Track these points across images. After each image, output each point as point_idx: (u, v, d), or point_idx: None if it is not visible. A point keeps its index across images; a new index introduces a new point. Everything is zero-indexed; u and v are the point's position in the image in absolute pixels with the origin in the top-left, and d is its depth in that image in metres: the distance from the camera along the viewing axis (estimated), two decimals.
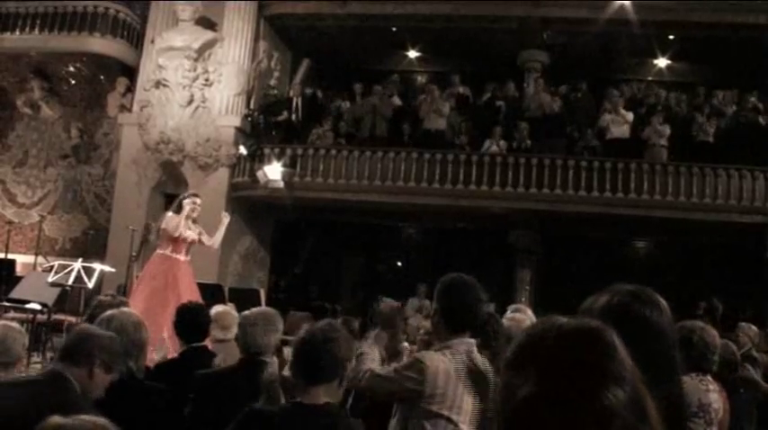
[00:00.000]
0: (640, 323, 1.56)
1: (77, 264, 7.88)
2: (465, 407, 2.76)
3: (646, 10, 12.69)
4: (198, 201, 7.34)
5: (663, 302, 1.63)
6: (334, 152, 13.23)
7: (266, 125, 13.67)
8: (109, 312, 3.40)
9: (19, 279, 9.25)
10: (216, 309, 4.76)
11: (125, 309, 3.74)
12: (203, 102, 13.44)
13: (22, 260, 12.76)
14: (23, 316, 7.67)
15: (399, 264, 16.19)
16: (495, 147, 12.91)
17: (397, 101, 13.89)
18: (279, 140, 13.49)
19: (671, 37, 13.56)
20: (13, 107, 15.52)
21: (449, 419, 2.73)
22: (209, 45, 13.62)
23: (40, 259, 11.63)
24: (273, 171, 12.71)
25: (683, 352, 3.27)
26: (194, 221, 7.29)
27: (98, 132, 15.30)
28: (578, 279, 12.53)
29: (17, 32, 14.41)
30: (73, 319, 7.79)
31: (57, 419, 1.58)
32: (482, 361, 2.86)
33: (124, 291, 8.51)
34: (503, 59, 14.26)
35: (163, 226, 7.20)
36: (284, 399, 2.84)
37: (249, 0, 13.92)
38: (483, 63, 14.65)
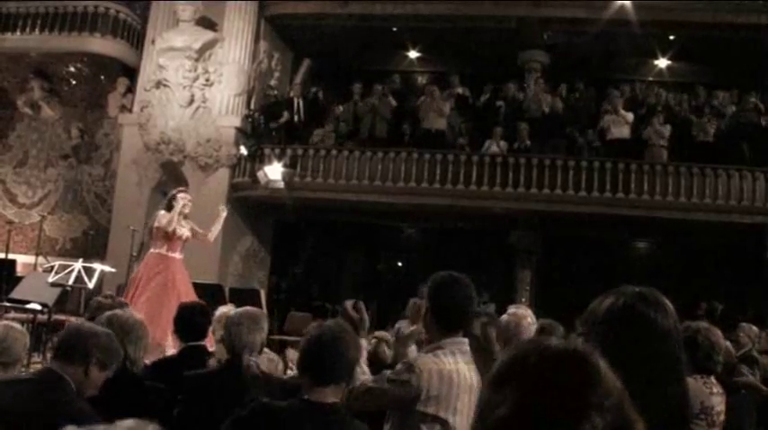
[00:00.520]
0: (646, 324, 1.56)
1: (78, 265, 7.87)
2: (461, 407, 2.73)
3: (646, 10, 12.68)
4: (188, 197, 7.30)
5: (668, 304, 1.63)
6: (334, 152, 13.24)
7: (266, 126, 13.67)
8: (109, 312, 3.40)
9: (19, 279, 9.23)
10: (220, 310, 4.77)
11: (126, 309, 3.74)
12: (204, 102, 13.44)
13: (22, 260, 12.75)
14: (24, 316, 7.66)
15: (400, 264, 16.20)
16: (495, 148, 12.91)
17: (392, 101, 13.86)
18: (279, 141, 13.49)
19: (671, 37, 13.57)
20: (14, 107, 15.52)
21: (445, 422, 2.71)
22: (209, 45, 13.63)
23: (41, 259, 11.62)
24: (274, 171, 12.72)
25: (688, 353, 3.26)
26: (185, 217, 7.23)
27: (98, 132, 15.29)
28: (578, 279, 12.54)
29: (18, 33, 14.41)
30: (73, 319, 7.78)
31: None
32: (468, 367, 2.82)
33: (125, 291, 8.52)
34: (503, 60, 14.26)
35: (155, 224, 7.13)
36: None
37: (250, 0, 13.93)
38: (483, 63, 14.65)
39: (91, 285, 7.82)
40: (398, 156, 12.98)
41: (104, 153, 15.21)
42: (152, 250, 7.18)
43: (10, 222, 14.75)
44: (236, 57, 13.72)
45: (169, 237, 7.00)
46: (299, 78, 14.90)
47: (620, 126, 12.65)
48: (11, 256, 11.47)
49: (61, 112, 15.44)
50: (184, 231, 7.09)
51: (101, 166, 15.18)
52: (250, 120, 13.72)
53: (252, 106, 13.91)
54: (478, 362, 2.81)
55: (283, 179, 12.74)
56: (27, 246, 14.30)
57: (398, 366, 2.83)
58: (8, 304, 8.11)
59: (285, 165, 12.84)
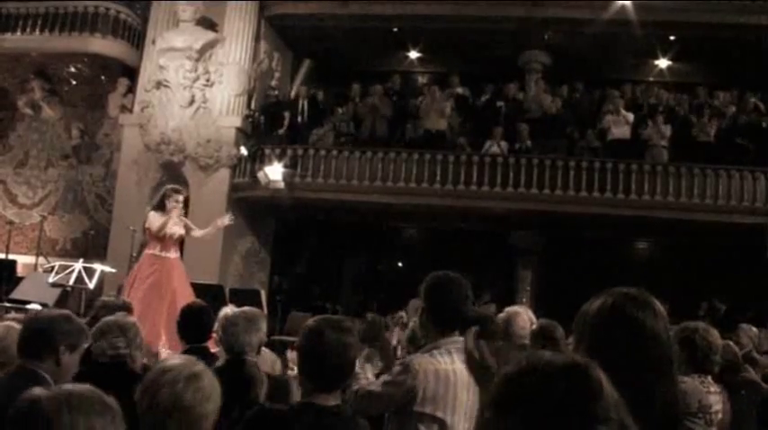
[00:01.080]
0: (634, 325, 1.57)
1: (78, 265, 7.88)
2: (458, 407, 2.73)
3: (646, 11, 12.68)
4: (180, 197, 7.12)
5: (658, 305, 1.63)
6: (334, 153, 13.24)
7: (267, 126, 13.68)
8: (107, 318, 3.41)
9: (20, 279, 9.25)
10: (224, 311, 4.77)
11: (117, 313, 3.74)
12: (204, 102, 13.44)
13: (22, 260, 12.76)
14: (24, 316, 7.67)
15: (400, 264, 16.19)
16: (495, 148, 12.91)
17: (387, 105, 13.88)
18: (280, 141, 13.50)
19: (672, 38, 13.56)
20: (14, 108, 15.53)
21: (443, 421, 2.71)
22: (209, 45, 13.62)
23: (41, 260, 11.62)
24: (274, 172, 12.72)
25: (686, 353, 3.27)
26: (179, 215, 7.03)
27: (99, 133, 15.30)
28: (579, 280, 12.52)
29: (18, 33, 14.42)
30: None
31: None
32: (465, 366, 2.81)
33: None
34: (503, 60, 14.26)
35: (147, 225, 6.99)
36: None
37: (250, 0, 13.93)
38: (484, 64, 14.65)
39: (91, 285, 7.83)
40: (399, 157, 12.98)
41: (105, 153, 15.22)
42: (146, 250, 7.08)
43: (10, 223, 14.74)
44: (237, 57, 13.72)
45: (161, 238, 6.91)
46: (299, 79, 14.89)
47: (620, 126, 12.65)
48: (11, 257, 11.47)
49: (62, 113, 15.44)
50: (176, 229, 6.92)
51: (101, 167, 15.18)
52: (250, 120, 13.72)
53: (252, 106, 13.91)
54: (474, 377, 2.80)
55: (284, 179, 12.74)
56: (27, 246, 14.30)
57: (395, 368, 2.83)
58: (8, 304, 8.12)
59: (285, 166, 12.84)
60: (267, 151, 13.09)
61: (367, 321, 3.20)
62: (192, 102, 13.37)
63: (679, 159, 12.37)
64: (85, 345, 2.83)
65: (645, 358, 1.55)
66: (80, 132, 15.25)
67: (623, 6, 12.67)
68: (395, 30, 14.31)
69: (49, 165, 15.43)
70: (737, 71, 13.67)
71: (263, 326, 3.73)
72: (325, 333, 2.39)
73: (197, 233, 7.22)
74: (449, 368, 2.73)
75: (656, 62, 14.67)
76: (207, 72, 13.49)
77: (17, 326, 3.35)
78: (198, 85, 13.41)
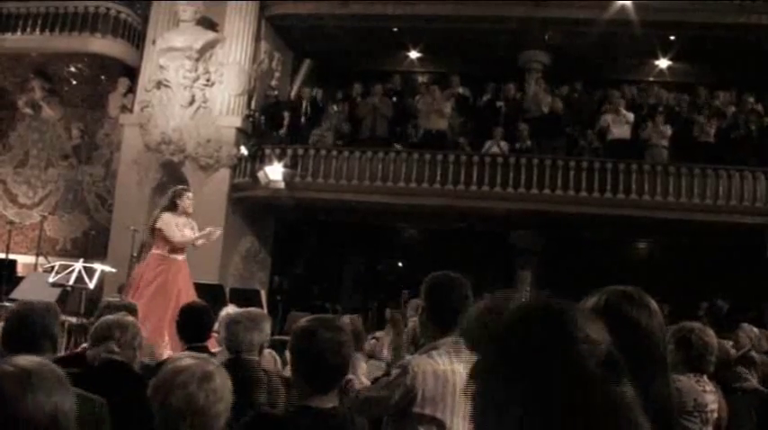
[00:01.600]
0: (627, 323, 1.57)
1: (78, 265, 7.87)
2: (458, 408, 2.71)
3: (647, 10, 12.68)
4: (191, 195, 7.07)
5: (653, 303, 1.64)
6: (335, 153, 13.24)
7: (268, 126, 13.68)
8: (105, 317, 3.41)
9: (20, 279, 9.25)
10: (225, 311, 4.78)
11: (117, 312, 3.74)
12: (204, 102, 13.44)
13: (22, 260, 12.76)
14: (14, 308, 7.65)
15: (400, 264, 16.19)
16: (495, 148, 12.91)
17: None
18: (280, 141, 13.50)
19: (672, 38, 13.56)
20: (14, 107, 15.53)
21: (442, 423, 2.70)
22: (210, 45, 13.62)
23: (41, 259, 11.63)
24: (274, 171, 12.72)
25: (682, 352, 3.28)
26: (188, 216, 6.95)
27: (99, 133, 15.31)
28: (579, 280, 12.52)
29: (18, 33, 14.42)
30: (73, 320, 7.80)
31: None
32: (464, 367, 2.81)
33: (126, 291, 8.51)
34: (503, 60, 14.27)
35: (158, 226, 6.80)
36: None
37: (250, 0, 13.93)
38: (484, 64, 14.65)
39: (91, 285, 7.82)
40: (399, 157, 12.98)
41: (105, 153, 15.22)
42: (154, 250, 6.92)
43: (10, 222, 14.75)
44: (237, 57, 13.72)
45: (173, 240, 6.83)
46: (300, 79, 14.89)
47: (620, 126, 12.65)
48: (11, 257, 11.48)
49: (62, 113, 15.44)
50: (188, 233, 6.85)
51: (101, 167, 15.18)
52: (251, 120, 13.73)
53: (252, 106, 13.91)
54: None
55: (284, 179, 12.74)
56: (27, 246, 14.30)
57: (394, 370, 2.83)
58: (9, 304, 8.12)
59: (286, 166, 12.84)
60: (267, 151, 13.09)
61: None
62: (192, 101, 13.37)
63: (679, 159, 12.37)
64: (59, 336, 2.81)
65: (639, 356, 1.55)
66: (80, 132, 15.26)
67: (623, 6, 12.67)
68: (395, 30, 14.31)
69: (49, 165, 15.43)
70: (738, 71, 13.67)
71: (267, 327, 3.72)
72: (319, 332, 2.35)
73: (198, 241, 7.13)
74: (447, 368, 2.72)
75: (657, 62, 14.67)
76: (207, 72, 13.49)
77: None
78: (198, 84, 13.41)
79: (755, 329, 6.95)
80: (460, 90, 14.10)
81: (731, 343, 6.57)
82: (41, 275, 8.45)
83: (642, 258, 15.07)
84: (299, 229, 15.07)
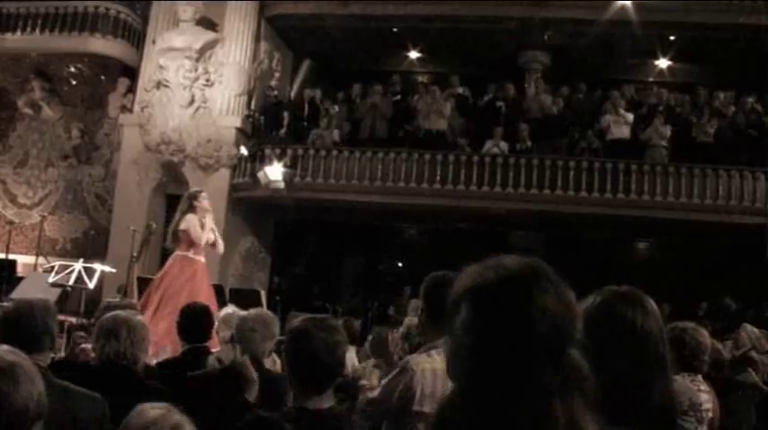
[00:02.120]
0: (624, 323, 1.57)
1: (78, 265, 7.87)
2: None
3: (646, 11, 12.68)
4: (206, 195, 7.10)
5: (649, 302, 1.63)
6: (334, 153, 13.24)
7: (267, 126, 13.68)
8: (112, 312, 3.38)
9: (20, 279, 9.25)
10: (225, 310, 4.78)
11: (128, 310, 3.74)
12: (204, 102, 13.44)
13: (22, 260, 12.77)
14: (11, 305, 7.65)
15: (400, 264, 16.19)
16: (495, 148, 12.91)
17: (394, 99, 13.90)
18: (280, 141, 13.50)
19: (672, 38, 13.56)
20: (14, 107, 15.53)
21: None
22: (209, 45, 13.63)
23: (41, 259, 11.62)
24: (274, 172, 12.71)
25: (675, 352, 3.30)
26: (206, 216, 6.94)
27: (99, 133, 15.30)
28: (579, 280, 12.42)
29: (18, 33, 14.42)
30: (73, 320, 7.80)
31: None
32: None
33: (125, 291, 8.51)
34: (503, 60, 14.27)
35: (183, 227, 6.77)
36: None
37: (250, 0, 13.93)
38: (484, 64, 14.66)
39: (91, 285, 7.82)
40: (399, 157, 12.98)
41: (105, 153, 15.22)
42: (178, 252, 6.85)
43: (10, 222, 14.75)
44: (237, 57, 13.72)
45: (196, 241, 6.83)
46: (299, 79, 14.89)
47: (620, 126, 12.65)
48: (11, 257, 11.49)
49: (62, 113, 15.44)
50: (211, 235, 6.87)
51: (101, 167, 15.18)
52: (250, 120, 13.72)
53: (252, 107, 13.91)
54: None
55: (284, 179, 12.73)
56: (27, 246, 14.30)
57: (393, 370, 2.84)
58: (6, 304, 8.11)
59: (285, 166, 12.83)
60: (267, 151, 13.09)
61: (373, 336, 3.19)
62: (191, 102, 13.37)
63: (679, 159, 12.36)
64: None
65: (637, 356, 1.55)
66: (80, 132, 15.25)
67: (623, 6, 12.66)
68: (395, 30, 14.31)
69: (48, 165, 15.43)
70: (738, 71, 13.66)
71: (277, 331, 3.73)
72: (312, 333, 2.34)
73: (220, 246, 7.18)
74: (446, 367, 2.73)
75: (656, 62, 14.67)
76: (207, 72, 13.49)
77: None
78: (198, 85, 13.41)
79: (756, 330, 6.95)
80: (460, 90, 14.10)
81: (731, 343, 6.58)
82: (41, 275, 8.45)
83: (642, 258, 15.06)
84: (299, 230, 15.07)
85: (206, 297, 6.57)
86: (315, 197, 13.05)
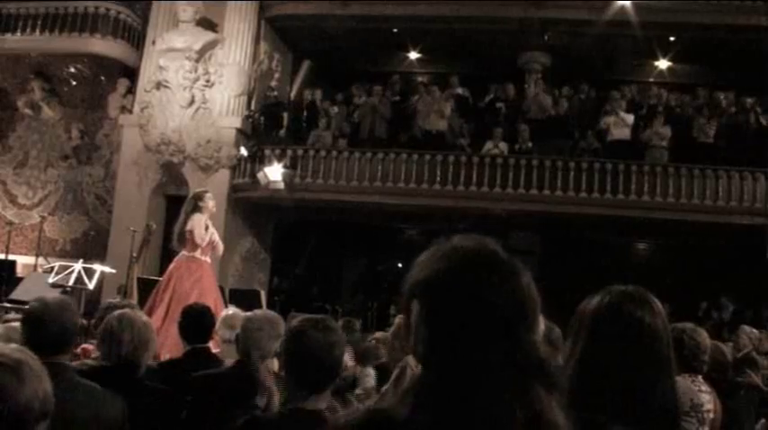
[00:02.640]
0: (632, 323, 1.57)
1: (78, 265, 7.86)
2: None
3: (646, 11, 12.68)
4: (211, 195, 7.10)
5: (656, 302, 1.63)
6: (334, 153, 13.24)
7: (267, 127, 13.68)
8: (118, 311, 3.37)
9: (19, 280, 9.25)
10: (226, 311, 4.78)
11: (135, 310, 3.74)
12: (204, 103, 13.44)
13: (22, 261, 12.78)
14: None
15: (400, 265, 16.18)
16: (495, 149, 12.92)
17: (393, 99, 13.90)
18: (280, 142, 13.50)
19: (672, 38, 13.56)
20: (14, 108, 15.53)
21: None
22: (209, 46, 13.62)
23: (41, 260, 11.63)
24: (274, 172, 12.71)
25: (674, 352, 3.29)
26: (211, 216, 6.99)
27: (99, 133, 15.30)
28: (579, 281, 12.49)
29: (18, 33, 14.42)
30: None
31: None
32: None
33: (125, 292, 8.50)
34: (503, 61, 14.26)
35: (189, 227, 6.79)
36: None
37: (250, 1, 13.93)
38: (484, 64, 14.66)
39: (91, 286, 7.81)
40: (399, 158, 12.98)
41: (104, 154, 15.22)
42: (184, 253, 6.85)
43: (10, 223, 14.75)
44: (237, 58, 13.72)
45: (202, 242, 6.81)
46: (299, 80, 14.89)
47: (620, 127, 12.65)
48: (11, 257, 11.49)
49: (61, 113, 15.44)
50: (216, 236, 6.90)
51: (101, 167, 15.18)
52: (250, 121, 13.72)
53: (252, 107, 13.91)
54: None
55: (284, 180, 12.74)
56: (27, 246, 14.30)
57: (393, 374, 2.85)
58: (8, 305, 8.12)
59: (285, 167, 12.83)
60: (267, 152, 13.09)
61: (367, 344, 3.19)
62: (191, 102, 13.37)
63: (679, 160, 12.36)
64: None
65: (644, 356, 1.55)
66: (80, 133, 15.25)
67: (623, 7, 12.67)
68: (395, 30, 14.31)
69: (48, 166, 15.43)
70: (737, 72, 13.66)
71: (283, 331, 3.73)
72: (308, 333, 2.34)
73: (220, 246, 7.17)
74: None
75: (656, 63, 14.67)
76: (207, 73, 13.49)
77: (18, 326, 3.33)
78: (198, 85, 13.41)
79: (755, 331, 6.96)
80: (460, 91, 14.10)
81: (731, 344, 6.58)
82: (41, 276, 8.44)
83: (642, 259, 15.06)
84: (299, 230, 15.06)
85: (214, 298, 6.58)
86: (315, 198, 13.05)
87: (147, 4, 14.56)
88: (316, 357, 2.32)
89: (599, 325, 1.58)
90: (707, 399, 3.21)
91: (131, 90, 14.38)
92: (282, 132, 13.91)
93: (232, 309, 4.95)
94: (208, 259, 6.93)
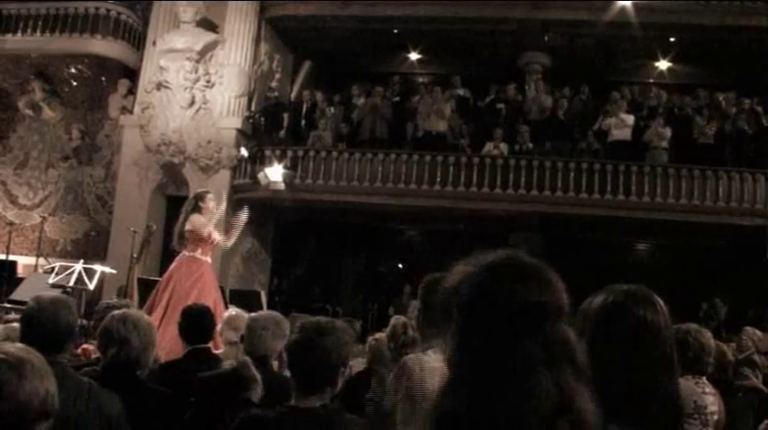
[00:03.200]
0: (636, 322, 1.56)
1: (78, 266, 7.87)
2: None
3: (647, 12, 12.69)
4: (212, 196, 7.09)
5: (659, 302, 1.63)
6: (335, 154, 13.25)
7: (268, 128, 13.68)
8: (119, 311, 3.36)
9: (20, 280, 9.26)
10: (229, 312, 4.78)
11: (137, 309, 3.73)
12: (204, 103, 13.45)
13: (23, 261, 12.78)
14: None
15: (400, 265, 16.19)
16: (495, 150, 12.92)
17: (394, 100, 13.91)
18: (281, 142, 13.51)
19: (672, 39, 13.56)
20: (15, 109, 15.54)
21: None
22: (210, 47, 13.63)
23: (42, 260, 11.63)
24: (274, 173, 12.72)
25: (678, 353, 3.28)
26: (212, 216, 6.88)
27: (99, 134, 15.31)
28: (579, 282, 12.42)
29: (18, 34, 14.43)
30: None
31: None
32: None
33: (125, 292, 8.51)
34: (504, 62, 14.27)
35: (188, 227, 6.73)
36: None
37: (250, 1, 13.93)
38: (484, 65, 14.66)
39: (91, 286, 7.83)
40: (399, 158, 12.98)
41: (105, 154, 15.22)
42: (185, 253, 6.78)
43: (11, 223, 14.74)
44: (237, 58, 13.73)
45: (203, 240, 6.81)
46: (300, 80, 14.90)
47: (620, 128, 12.65)
48: (11, 258, 11.50)
49: (62, 114, 15.45)
50: (217, 234, 6.84)
51: (101, 168, 15.18)
52: (251, 121, 13.73)
53: (253, 108, 13.91)
54: None
55: (284, 181, 12.75)
56: (28, 247, 14.30)
57: (391, 374, 2.85)
58: (9, 305, 8.13)
59: (286, 167, 12.85)
60: (267, 152, 13.10)
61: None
62: (192, 103, 13.37)
63: (679, 161, 12.36)
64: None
65: (647, 355, 1.55)
66: (80, 133, 15.26)
67: (623, 8, 12.67)
68: (395, 31, 14.32)
69: (49, 167, 15.43)
70: (737, 73, 13.67)
71: (288, 331, 3.73)
72: (308, 335, 2.41)
73: (224, 240, 7.12)
74: (443, 366, 2.74)
75: (657, 64, 14.67)
76: (207, 73, 13.50)
77: (18, 327, 3.33)
78: (198, 86, 13.42)
79: (758, 332, 6.95)
80: (461, 92, 14.10)
81: (734, 345, 6.57)
82: (41, 276, 8.45)
83: (642, 259, 15.06)
84: (300, 231, 15.07)
85: (214, 298, 6.55)
86: (315, 198, 13.05)
87: (147, 5, 14.57)
88: (316, 356, 2.37)
89: (603, 324, 1.58)
90: (711, 401, 3.19)
91: (132, 91, 14.38)
92: (283, 133, 13.91)
93: (234, 310, 4.95)
94: (209, 259, 6.90)
